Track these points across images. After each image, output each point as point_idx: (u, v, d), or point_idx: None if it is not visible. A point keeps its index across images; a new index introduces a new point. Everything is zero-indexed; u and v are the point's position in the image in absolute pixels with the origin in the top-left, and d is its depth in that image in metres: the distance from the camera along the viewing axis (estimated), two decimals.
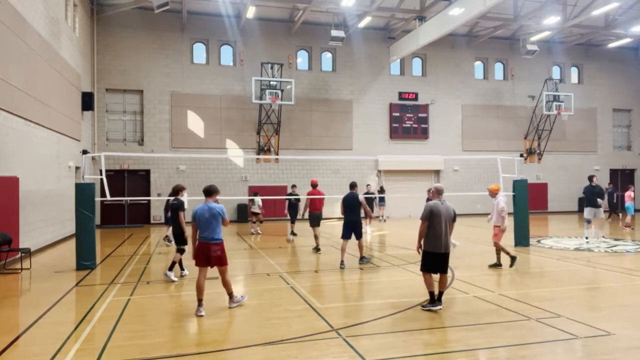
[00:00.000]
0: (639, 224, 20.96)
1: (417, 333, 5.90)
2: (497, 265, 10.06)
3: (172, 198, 9.83)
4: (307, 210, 13.01)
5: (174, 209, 9.43)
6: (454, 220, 6.96)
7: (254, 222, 17.99)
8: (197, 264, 6.99)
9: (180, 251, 9.42)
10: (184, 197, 9.78)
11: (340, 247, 10.66)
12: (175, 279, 9.11)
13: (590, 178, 14.56)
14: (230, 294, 7.10)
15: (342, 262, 10.48)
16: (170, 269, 9.24)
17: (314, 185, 13.16)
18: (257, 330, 6.04)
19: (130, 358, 5.10)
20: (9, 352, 5.40)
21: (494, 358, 5.27)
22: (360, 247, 10.82)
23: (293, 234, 15.88)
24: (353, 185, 10.88)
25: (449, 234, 6.92)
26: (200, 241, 6.90)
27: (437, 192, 7.02)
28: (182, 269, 9.61)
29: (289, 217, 16.38)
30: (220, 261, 6.91)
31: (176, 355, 5.21)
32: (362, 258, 10.79)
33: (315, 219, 12.91)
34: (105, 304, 7.38)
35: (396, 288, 8.54)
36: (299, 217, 15.81)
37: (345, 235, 10.57)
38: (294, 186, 17.16)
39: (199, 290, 6.85)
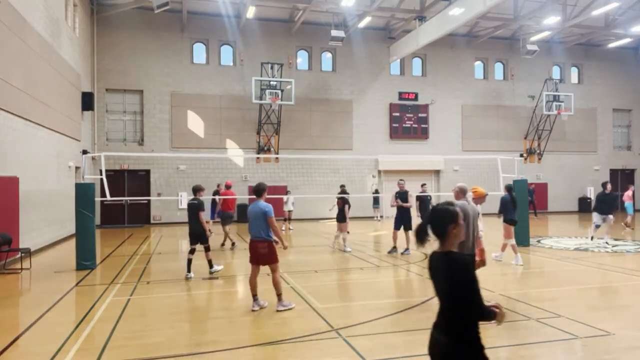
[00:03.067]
0: (639, 224, 20.94)
1: (417, 333, 5.90)
2: None
3: (191, 197, 9.89)
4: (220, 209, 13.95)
5: (195, 209, 9.45)
6: (478, 219, 6.58)
7: (287, 221, 19.07)
8: (250, 261, 7.11)
9: (208, 248, 9.65)
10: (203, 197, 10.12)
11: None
12: (220, 266, 9.87)
13: (604, 185, 13.98)
14: (280, 295, 6.97)
15: (393, 248, 12.27)
16: (211, 266, 9.66)
17: (229, 186, 14.41)
18: (257, 330, 6.05)
19: (130, 358, 5.10)
20: (9, 352, 5.40)
21: (494, 358, 5.24)
22: (407, 238, 12.23)
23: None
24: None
25: (476, 235, 6.50)
26: (250, 240, 7.05)
27: (462, 192, 6.63)
28: (188, 270, 9.46)
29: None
30: (267, 259, 6.96)
31: (176, 355, 5.21)
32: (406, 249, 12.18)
33: (228, 218, 13.95)
34: (105, 304, 7.37)
35: (396, 288, 8.54)
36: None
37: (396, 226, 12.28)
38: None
39: (252, 287, 7.00)
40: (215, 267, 9.69)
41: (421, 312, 6.78)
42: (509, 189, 11.16)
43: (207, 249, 9.62)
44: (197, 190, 9.68)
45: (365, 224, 21.41)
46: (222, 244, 13.91)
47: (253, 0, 20.29)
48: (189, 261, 9.44)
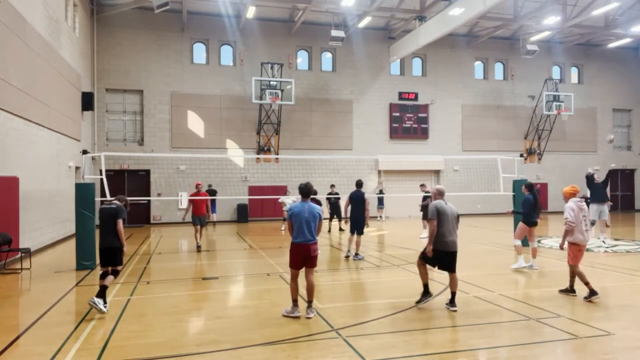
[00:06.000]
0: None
1: (417, 333, 5.90)
2: (569, 291, 7.74)
3: (107, 201, 7.51)
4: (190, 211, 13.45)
5: (112, 216, 7.12)
6: (457, 221, 7.01)
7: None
8: (293, 267, 6.67)
9: (116, 273, 7.24)
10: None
11: (348, 239, 11.92)
12: (106, 308, 6.78)
13: (591, 176, 13.97)
14: (311, 302, 6.66)
15: (348, 251, 11.77)
16: (105, 299, 6.85)
17: (200, 187, 13.85)
18: (257, 330, 6.04)
19: (130, 358, 5.10)
20: (9, 352, 5.40)
21: (494, 358, 5.27)
22: (357, 243, 11.66)
23: (341, 229, 17.90)
24: (359, 184, 11.87)
25: (455, 233, 6.98)
26: (298, 243, 6.56)
27: (439, 194, 7.08)
28: (105, 302, 6.82)
29: (328, 216, 17.80)
30: (315, 261, 6.71)
31: (176, 355, 5.21)
32: (356, 254, 11.64)
33: (200, 220, 13.50)
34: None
35: (396, 288, 8.54)
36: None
37: (351, 230, 11.71)
38: (332, 186, 18.54)
39: (296, 290, 6.66)
40: (100, 304, 6.70)
41: (421, 312, 6.77)
42: (530, 187, 10.45)
43: (115, 273, 7.16)
44: (120, 199, 7.50)
45: None
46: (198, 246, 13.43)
47: (253, 0, 20.29)
48: (103, 289, 6.86)
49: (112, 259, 7.12)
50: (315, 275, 9.73)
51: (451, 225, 6.85)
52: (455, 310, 6.75)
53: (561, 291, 7.82)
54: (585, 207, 7.75)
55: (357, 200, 11.50)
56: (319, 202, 12.47)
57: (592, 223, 13.80)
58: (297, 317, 6.45)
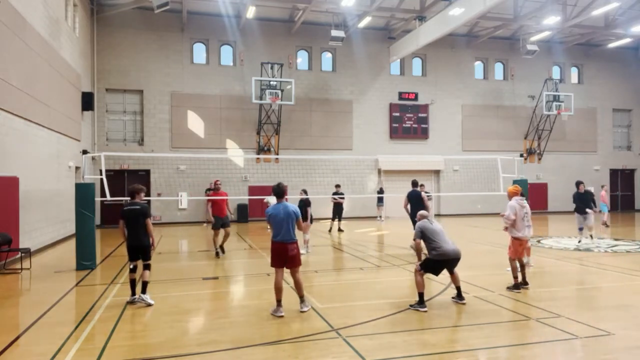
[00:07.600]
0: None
1: (417, 333, 5.90)
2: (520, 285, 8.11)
3: (128, 201, 7.65)
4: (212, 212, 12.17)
5: (139, 215, 7.42)
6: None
7: None
8: (273, 265, 6.84)
9: (148, 267, 7.52)
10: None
11: None
12: (152, 301, 7.34)
13: (578, 184, 14.02)
14: (302, 297, 6.87)
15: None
16: (144, 290, 7.39)
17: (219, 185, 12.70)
18: (257, 330, 6.04)
19: (130, 358, 5.10)
20: (9, 352, 5.40)
21: (494, 358, 5.27)
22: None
23: (340, 230, 18.21)
24: (415, 183, 12.41)
25: (452, 241, 7.24)
26: (276, 242, 6.74)
27: (423, 217, 7.43)
28: (133, 293, 7.47)
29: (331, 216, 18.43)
30: (296, 261, 6.81)
31: (176, 355, 5.21)
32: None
33: (223, 221, 12.29)
34: (105, 304, 7.38)
35: (396, 288, 8.54)
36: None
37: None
38: (337, 186, 18.79)
39: (279, 290, 6.71)
40: (148, 299, 7.33)
41: (421, 312, 6.77)
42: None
43: (146, 267, 7.47)
44: (136, 191, 7.61)
45: (366, 223, 21.42)
46: (218, 251, 12.30)
47: (253, 0, 20.29)
48: (133, 282, 7.43)
49: (141, 254, 7.55)
50: (315, 275, 9.76)
51: (443, 236, 7.08)
52: (464, 303, 7.07)
53: (508, 288, 8.04)
54: (527, 205, 8.24)
55: (415, 198, 11.96)
56: (307, 203, 12.67)
57: (580, 229, 13.89)
58: (281, 317, 6.53)
